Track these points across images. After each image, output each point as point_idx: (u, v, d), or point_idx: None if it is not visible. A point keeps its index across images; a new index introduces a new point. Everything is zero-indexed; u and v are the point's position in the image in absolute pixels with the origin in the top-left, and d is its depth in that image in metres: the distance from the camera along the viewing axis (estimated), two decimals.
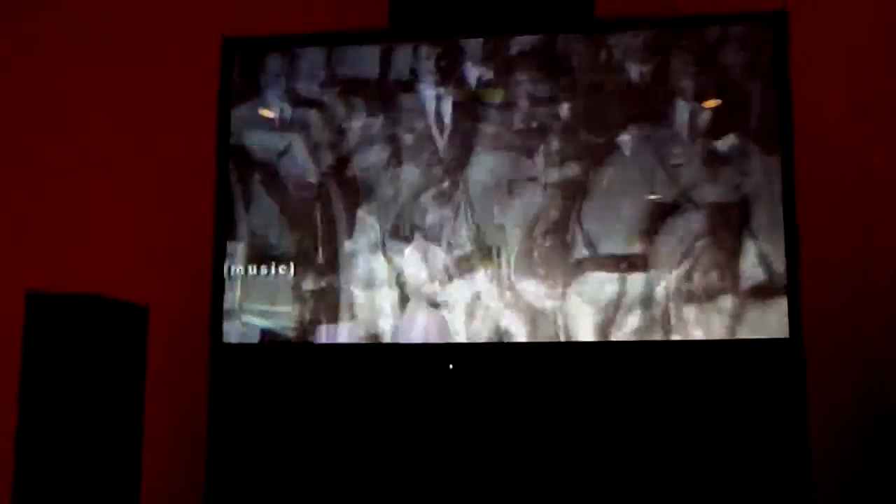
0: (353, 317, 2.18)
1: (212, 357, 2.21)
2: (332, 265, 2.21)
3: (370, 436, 2.13)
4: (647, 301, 2.10)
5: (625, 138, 2.15)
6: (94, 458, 1.92)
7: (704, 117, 2.15)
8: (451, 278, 2.16)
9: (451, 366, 2.14)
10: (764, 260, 2.08)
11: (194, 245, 2.39)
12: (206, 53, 2.39)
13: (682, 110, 2.15)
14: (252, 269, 2.23)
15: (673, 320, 2.09)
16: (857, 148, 2.46)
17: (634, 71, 2.17)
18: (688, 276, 2.09)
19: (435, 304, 2.16)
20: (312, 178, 2.23)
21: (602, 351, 2.12)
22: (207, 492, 2.14)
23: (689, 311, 2.09)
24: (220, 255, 2.24)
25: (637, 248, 2.11)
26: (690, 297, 2.08)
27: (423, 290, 2.17)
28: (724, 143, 2.13)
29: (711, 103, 2.16)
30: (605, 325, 2.11)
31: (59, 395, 1.90)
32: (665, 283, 2.09)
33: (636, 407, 2.08)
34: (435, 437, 2.11)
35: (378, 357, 2.18)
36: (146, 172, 2.68)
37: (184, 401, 2.39)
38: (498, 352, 2.15)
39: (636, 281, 2.10)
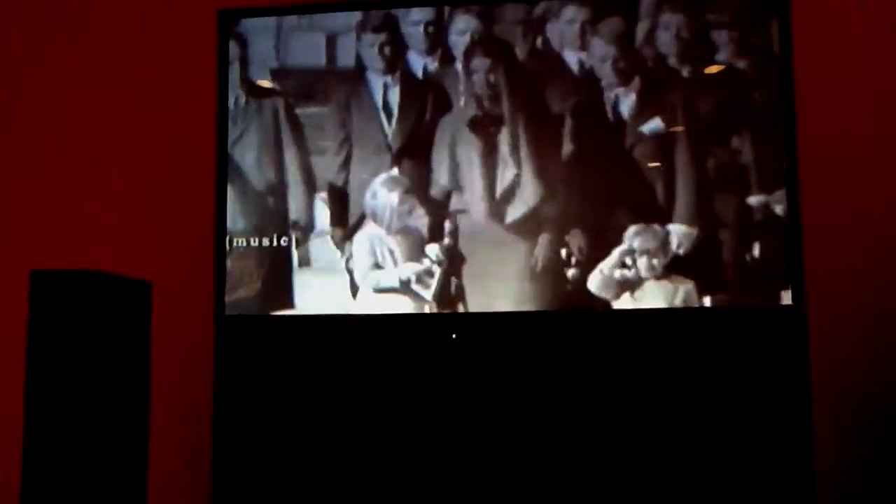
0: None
1: (216, 329, 2.21)
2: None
3: (374, 404, 2.14)
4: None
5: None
6: (102, 433, 1.96)
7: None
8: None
9: (454, 335, 2.15)
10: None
11: (195, 219, 2.39)
12: (202, 30, 2.37)
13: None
14: None
15: None
16: (860, 129, 2.44)
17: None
18: None
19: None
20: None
21: (601, 320, 2.12)
22: (215, 466, 2.15)
23: None
24: (221, 228, 2.24)
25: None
26: None
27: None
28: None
29: (714, 69, 2.15)
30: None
31: (65, 371, 1.92)
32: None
33: (631, 377, 2.07)
34: (444, 404, 2.12)
35: (379, 327, 2.18)
36: (146, 149, 2.68)
37: (189, 374, 2.40)
38: (503, 321, 2.15)
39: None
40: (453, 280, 2.15)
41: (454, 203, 2.16)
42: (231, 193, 2.24)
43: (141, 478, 2.06)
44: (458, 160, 2.17)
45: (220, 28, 2.29)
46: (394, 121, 2.20)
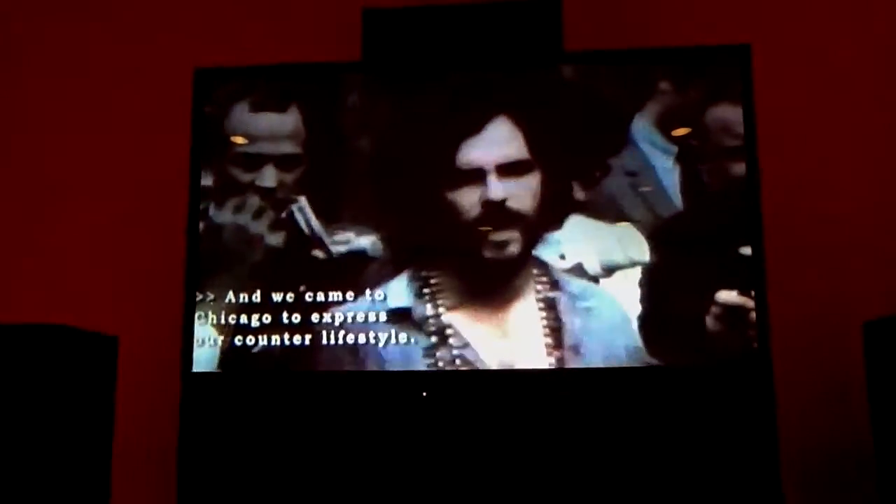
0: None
1: (182, 387, 2.20)
2: None
3: (345, 464, 2.12)
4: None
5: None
6: (62, 491, 1.88)
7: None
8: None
9: (424, 393, 2.14)
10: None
11: (165, 274, 2.37)
12: (178, 84, 2.39)
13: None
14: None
15: None
16: (820, 178, 2.52)
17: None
18: None
19: None
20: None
21: (566, 378, 2.13)
22: None
23: None
24: (191, 284, 2.24)
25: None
26: None
27: None
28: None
29: (681, 131, 2.21)
30: None
31: (24, 430, 1.85)
32: None
33: (608, 435, 2.08)
34: (413, 463, 2.10)
35: (352, 384, 2.17)
36: (116, 202, 2.68)
37: (154, 432, 2.36)
38: (474, 379, 2.15)
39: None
40: None
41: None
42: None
43: None
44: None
45: (196, 86, 2.32)
46: None
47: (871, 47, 2.54)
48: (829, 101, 2.53)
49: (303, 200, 2.23)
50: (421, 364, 2.15)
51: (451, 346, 2.15)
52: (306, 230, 2.23)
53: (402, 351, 2.16)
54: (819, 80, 2.54)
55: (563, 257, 2.16)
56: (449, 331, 2.15)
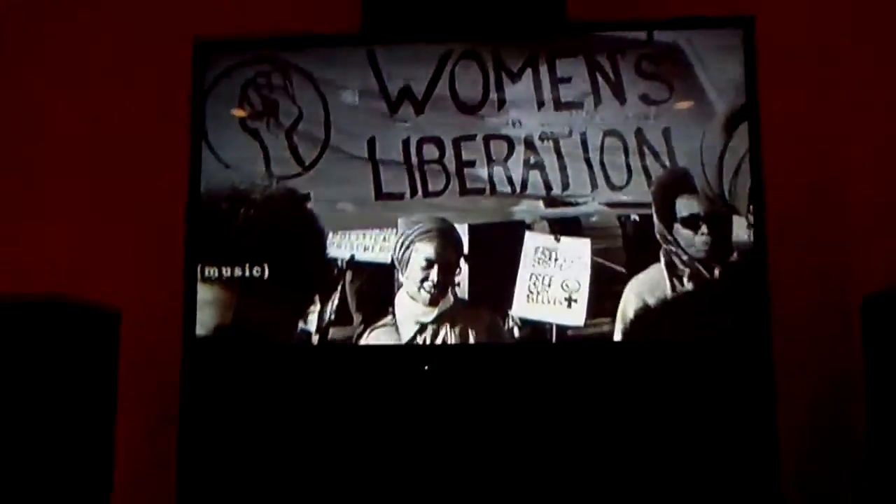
0: None
1: (184, 356, 2.21)
2: None
3: (346, 436, 2.14)
4: None
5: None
6: (63, 470, 1.91)
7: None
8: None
9: (426, 367, 2.15)
10: None
11: (166, 246, 2.37)
12: (177, 55, 2.38)
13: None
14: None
15: None
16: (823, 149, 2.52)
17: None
18: None
19: None
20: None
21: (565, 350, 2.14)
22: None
23: None
24: (191, 253, 2.25)
25: None
26: None
27: None
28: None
29: (683, 105, 2.20)
30: None
31: (25, 407, 1.86)
32: None
33: (600, 412, 2.09)
34: (415, 436, 2.12)
35: (354, 357, 2.19)
36: (116, 172, 2.67)
37: (158, 405, 2.37)
38: (472, 353, 2.16)
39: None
40: None
41: None
42: None
43: None
44: None
45: (195, 57, 2.31)
46: None
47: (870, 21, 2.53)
48: (831, 74, 2.51)
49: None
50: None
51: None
52: None
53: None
54: (822, 52, 2.53)
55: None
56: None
